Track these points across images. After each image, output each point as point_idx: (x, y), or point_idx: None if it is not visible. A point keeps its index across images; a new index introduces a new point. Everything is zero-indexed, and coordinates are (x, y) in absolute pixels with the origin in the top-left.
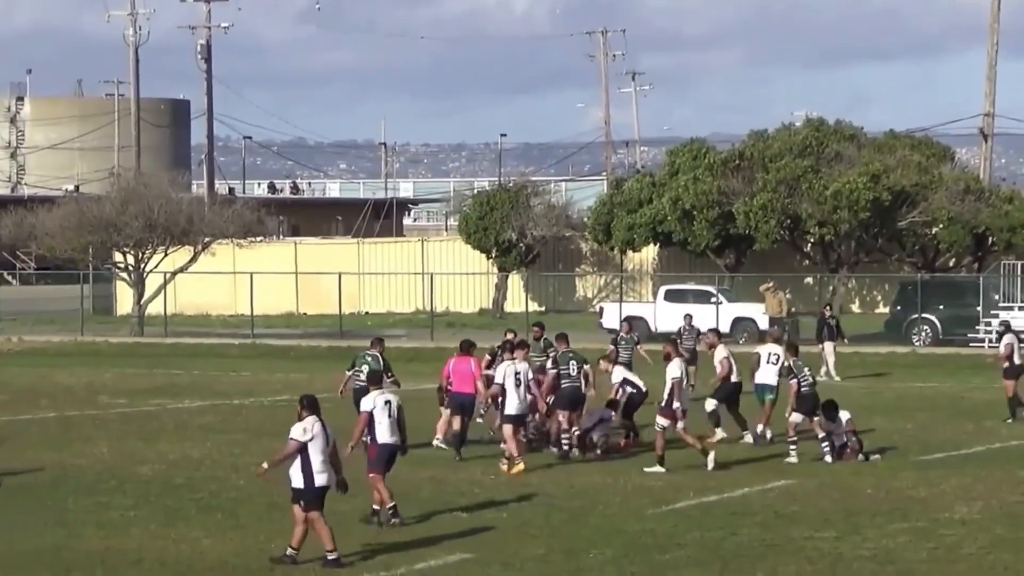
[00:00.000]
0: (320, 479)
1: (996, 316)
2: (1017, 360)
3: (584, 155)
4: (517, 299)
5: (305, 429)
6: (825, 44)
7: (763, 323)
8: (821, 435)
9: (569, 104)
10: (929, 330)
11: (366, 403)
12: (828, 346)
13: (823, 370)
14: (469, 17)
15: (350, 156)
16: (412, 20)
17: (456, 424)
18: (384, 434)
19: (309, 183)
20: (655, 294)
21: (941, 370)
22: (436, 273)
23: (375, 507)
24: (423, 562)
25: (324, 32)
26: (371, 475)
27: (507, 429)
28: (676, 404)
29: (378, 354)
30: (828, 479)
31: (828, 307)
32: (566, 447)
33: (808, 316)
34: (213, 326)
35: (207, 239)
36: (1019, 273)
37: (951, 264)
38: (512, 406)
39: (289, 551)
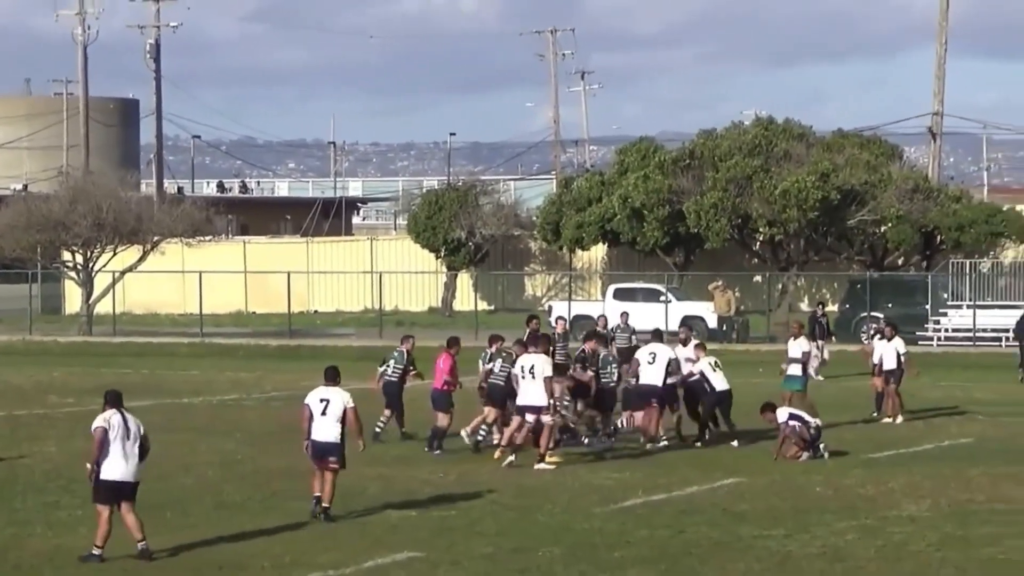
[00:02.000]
0: (110, 472)
1: (945, 314)
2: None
3: (533, 154)
4: (466, 298)
5: (104, 419)
6: (776, 43)
7: (712, 322)
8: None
9: (518, 103)
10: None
11: (308, 398)
12: (817, 345)
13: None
14: (419, 16)
15: (299, 155)
16: (363, 19)
17: (442, 421)
18: (316, 430)
19: (258, 182)
20: (604, 293)
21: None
22: (385, 272)
23: (323, 503)
24: (371, 560)
25: (274, 31)
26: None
27: (515, 420)
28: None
29: (405, 350)
30: (777, 477)
31: (820, 305)
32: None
33: (756, 314)
34: (162, 325)
35: (156, 238)
36: (967, 271)
37: (900, 263)
38: (520, 398)
39: (95, 550)
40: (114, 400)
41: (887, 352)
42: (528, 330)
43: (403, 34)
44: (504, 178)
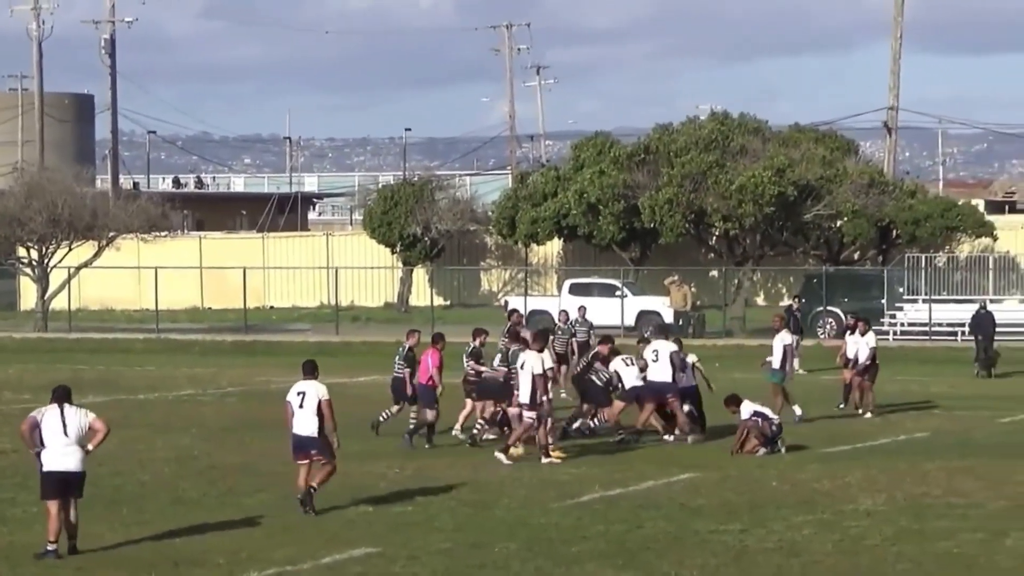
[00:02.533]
0: (51, 464)
1: (900, 309)
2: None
3: (489, 149)
4: (422, 293)
5: (39, 412)
6: (732, 38)
7: (668, 316)
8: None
9: (474, 98)
10: (834, 323)
11: (288, 394)
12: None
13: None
14: (375, 11)
15: (255, 151)
16: (318, 15)
17: (428, 415)
18: (296, 424)
19: (214, 178)
20: (560, 288)
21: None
22: (341, 267)
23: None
24: (328, 556)
25: (230, 26)
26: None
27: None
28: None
29: (408, 345)
30: (733, 472)
31: (796, 299)
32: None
33: (712, 309)
34: (117, 321)
35: (112, 234)
36: (923, 266)
37: (855, 257)
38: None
39: (50, 547)
40: (59, 396)
41: (860, 347)
42: (509, 323)
43: (359, 29)
44: (460, 173)
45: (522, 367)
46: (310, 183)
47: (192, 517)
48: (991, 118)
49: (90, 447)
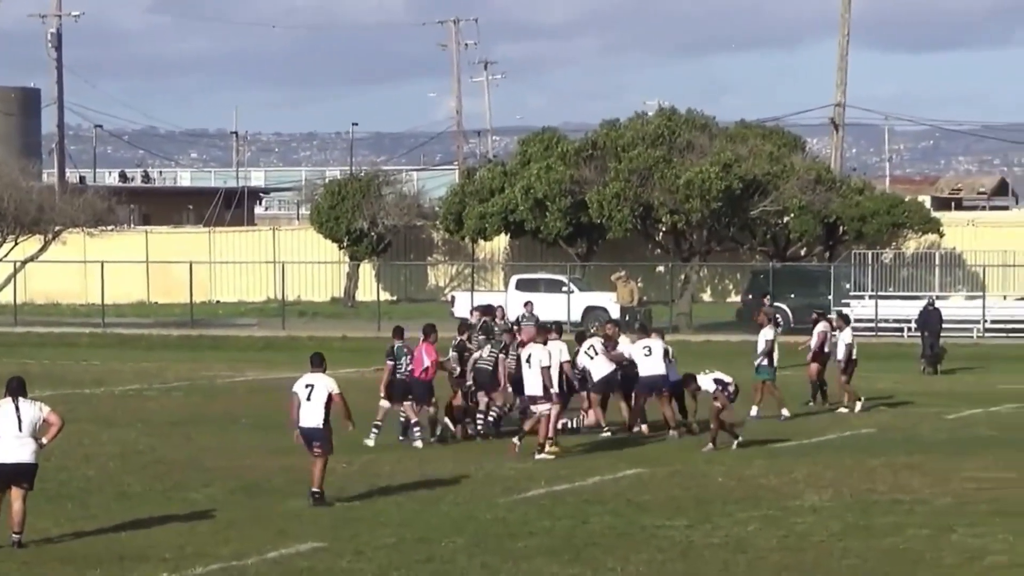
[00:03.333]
0: (2, 457)
1: (847, 305)
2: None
3: (436, 144)
4: (369, 288)
5: None
6: (679, 34)
7: (615, 312)
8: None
9: (421, 93)
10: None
11: (295, 386)
12: None
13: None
14: (322, 6)
15: (201, 145)
16: (265, 9)
17: (413, 412)
18: (302, 417)
19: (160, 172)
20: (507, 283)
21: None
22: (288, 262)
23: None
24: (275, 551)
25: (177, 21)
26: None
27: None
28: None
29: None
30: (680, 467)
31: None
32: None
33: (659, 305)
34: (64, 315)
35: (58, 228)
36: (869, 262)
37: (802, 253)
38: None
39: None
40: (12, 389)
41: (838, 343)
42: (484, 320)
43: (306, 24)
44: (407, 168)
45: (528, 361)
46: (257, 178)
47: (138, 512)
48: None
49: (44, 441)
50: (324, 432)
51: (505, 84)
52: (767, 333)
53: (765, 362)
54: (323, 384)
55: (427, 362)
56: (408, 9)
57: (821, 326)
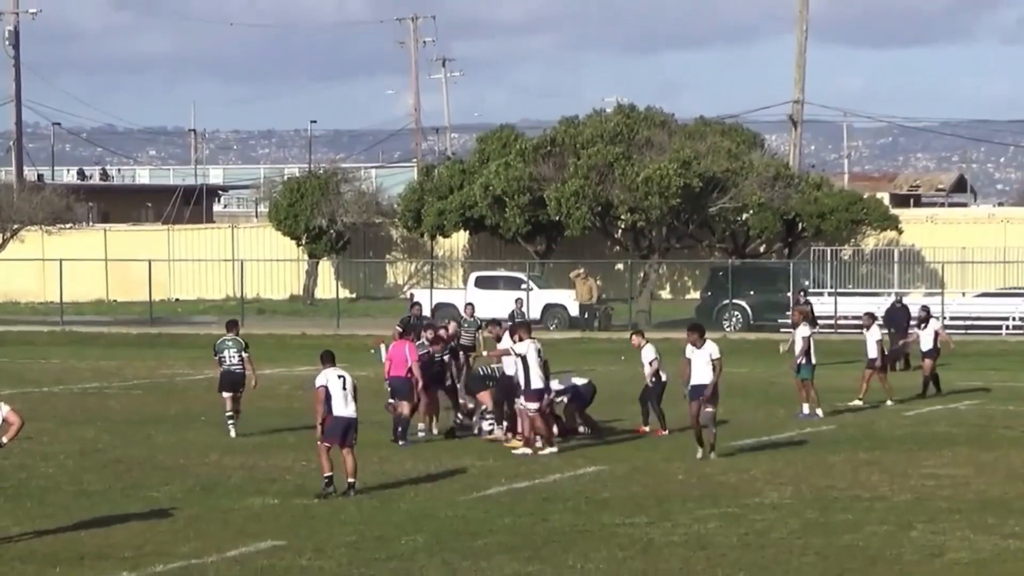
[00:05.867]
0: None
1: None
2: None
3: (394, 142)
4: (327, 286)
5: None
6: (637, 30)
7: (573, 309)
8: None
9: (379, 91)
10: (740, 316)
11: (319, 379)
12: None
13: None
14: (280, 4)
15: (159, 143)
16: (223, 7)
17: (405, 409)
18: (339, 407)
19: (119, 170)
20: (466, 281)
21: (751, 355)
22: (246, 260)
23: (349, 480)
24: (234, 549)
25: (136, 18)
26: (323, 443)
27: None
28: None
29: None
30: (639, 464)
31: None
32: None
33: (618, 302)
34: (22, 313)
35: (16, 226)
36: (829, 259)
37: (761, 250)
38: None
39: None
40: None
41: (868, 341)
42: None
43: (263, 22)
44: (365, 166)
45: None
46: (215, 175)
47: (97, 510)
48: (896, 112)
49: (4, 440)
50: (356, 423)
51: (463, 81)
52: (803, 331)
53: (804, 360)
54: (349, 376)
55: (409, 362)
56: (366, 7)
57: (933, 323)
